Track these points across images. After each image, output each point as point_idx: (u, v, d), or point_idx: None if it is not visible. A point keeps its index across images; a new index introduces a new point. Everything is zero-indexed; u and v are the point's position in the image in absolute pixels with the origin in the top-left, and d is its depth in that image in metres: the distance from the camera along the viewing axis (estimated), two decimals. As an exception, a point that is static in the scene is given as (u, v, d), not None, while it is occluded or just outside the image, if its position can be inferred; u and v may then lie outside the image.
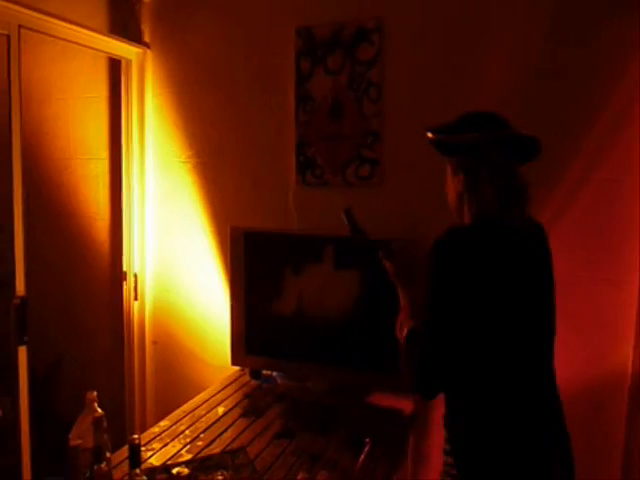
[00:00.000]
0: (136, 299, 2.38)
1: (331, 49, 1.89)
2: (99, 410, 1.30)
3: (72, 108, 2.51)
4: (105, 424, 1.21)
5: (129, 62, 2.25)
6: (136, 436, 1.21)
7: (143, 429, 2.06)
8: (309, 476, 1.45)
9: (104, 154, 2.46)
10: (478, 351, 1.11)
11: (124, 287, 2.37)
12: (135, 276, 2.36)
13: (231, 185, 2.18)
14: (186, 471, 1.27)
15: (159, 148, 2.31)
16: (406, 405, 1.81)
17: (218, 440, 1.64)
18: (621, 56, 1.56)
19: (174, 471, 1.25)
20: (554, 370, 1.21)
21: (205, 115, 2.20)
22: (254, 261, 1.94)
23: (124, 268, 2.37)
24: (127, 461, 1.30)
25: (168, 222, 2.34)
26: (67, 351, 2.58)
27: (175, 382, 2.39)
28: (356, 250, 1.81)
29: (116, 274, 2.42)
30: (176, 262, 2.34)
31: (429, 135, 1.25)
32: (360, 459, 1.51)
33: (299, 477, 1.45)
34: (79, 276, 2.55)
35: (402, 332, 1.22)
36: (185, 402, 1.89)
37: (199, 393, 1.96)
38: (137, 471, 1.16)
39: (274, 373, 2.06)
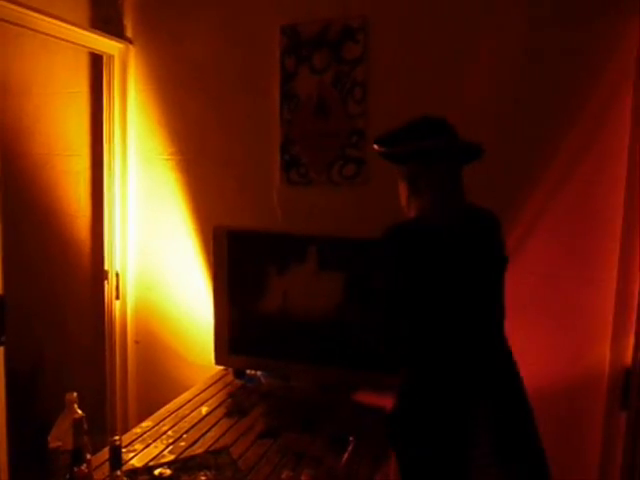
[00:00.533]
0: (118, 298, 2.34)
1: (316, 48, 1.88)
2: (79, 411, 1.28)
3: (52, 103, 2.46)
4: (85, 425, 1.19)
5: (111, 57, 2.21)
6: (117, 437, 1.20)
7: (125, 430, 2.03)
8: (293, 474, 1.45)
9: (85, 150, 2.42)
10: (428, 327, 1.24)
11: (105, 286, 2.34)
12: (117, 275, 2.33)
13: (215, 183, 2.16)
14: (168, 472, 1.26)
15: (141, 145, 2.28)
16: (390, 403, 1.81)
17: (201, 440, 1.62)
18: (599, 60, 1.59)
19: (156, 472, 1.24)
20: (504, 350, 1.31)
21: (189, 112, 2.18)
22: (237, 260, 1.93)
23: (105, 267, 2.34)
24: (108, 463, 1.29)
25: (150, 220, 2.31)
26: (47, 351, 2.54)
27: (157, 382, 2.37)
28: (340, 250, 1.81)
29: (97, 273, 2.38)
30: (159, 261, 2.32)
31: (375, 147, 1.34)
32: (344, 457, 1.51)
33: (283, 476, 1.44)
34: (59, 275, 2.51)
35: None
36: (168, 402, 1.86)
37: (182, 393, 1.94)
38: (118, 473, 1.14)
39: (258, 372, 2.05)
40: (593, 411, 1.66)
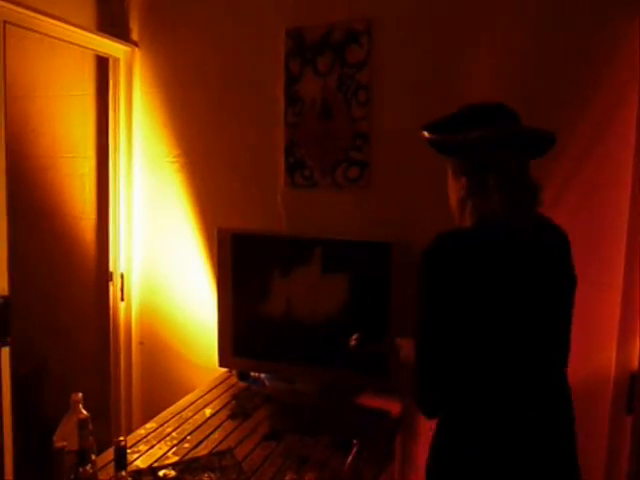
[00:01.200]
0: (122, 300, 2.35)
1: (320, 51, 1.89)
2: (84, 412, 1.28)
3: (57, 106, 2.48)
4: (90, 426, 1.20)
5: (117, 60, 2.23)
6: (122, 438, 1.20)
7: (129, 431, 2.04)
8: (297, 477, 1.45)
9: (90, 153, 2.44)
10: (474, 364, 1.01)
11: (110, 288, 2.35)
12: (122, 276, 2.34)
13: (219, 185, 2.17)
14: (173, 473, 1.26)
15: (147, 147, 2.29)
16: (394, 407, 1.82)
17: (205, 442, 1.63)
18: (604, 60, 1.58)
19: (160, 473, 1.24)
20: (565, 386, 1.11)
21: (194, 115, 2.19)
22: (242, 262, 1.93)
23: (110, 268, 2.35)
24: (113, 463, 1.29)
25: (155, 222, 2.32)
26: (52, 352, 2.55)
27: (161, 383, 2.37)
28: (344, 253, 1.81)
29: (102, 274, 2.39)
30: (163, 262, 2.32)
31: (425, 134, 1.11)
32: (348, 460, 1.51)
33: (287, 478, 1.45)
34: (64, 276, 2.52)
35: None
36: (172, 404, 1.87)
37: (186, 395, 1.95)
38: (123, 473, 1.15)
39: (262, 375, 2.05)
40: (598, 416, 1.65)
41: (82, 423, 1.15)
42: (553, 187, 1.66)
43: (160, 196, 2.28)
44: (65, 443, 1.06)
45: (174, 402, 1.88)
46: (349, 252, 1.81)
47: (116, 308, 2.36)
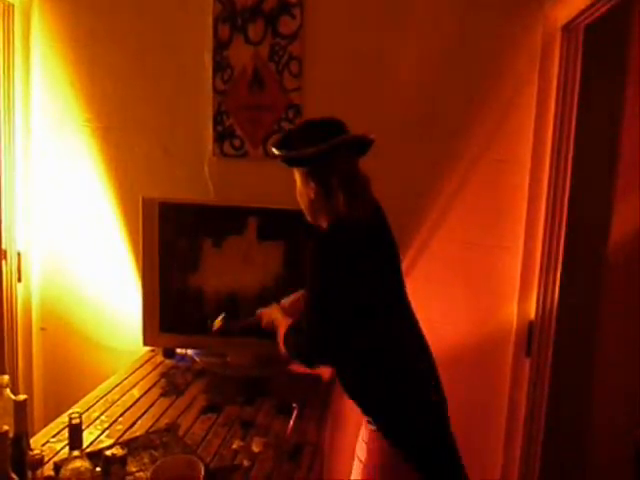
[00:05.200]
0: (20, 280, 2.10)
1: (252, 18, 1.85)
2: (12, 395, 1.15)
3: None
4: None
5: (10, 7, 1.94)
6: (76, 415, 1.10)
7: (31, 424, 1.85)
8: (244, 444, 1.45)
9: (-26, 114, 2.11)
10: (363, 322, 1.27)
11: (4, 267, 2.08)
12: (19, 254, 2.08)
13: (138, 153, 2.02)
14: (122, 452, 1.18)
15: (49, 109, 2.05)
16: (325, 372, 1.88)
17: (139, 422, 1.54)
18: (516, 45, 1.76)
19: (108, 453, 1.16)
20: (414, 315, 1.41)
21: (107, 74, 2.00)
22: (170, 234, 1.84)
23: (3, 246, 2.07)
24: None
25: (63, 193, 2.09)
26: None
27: (69, 371, 2.18)
28: (278, 221, 1.82)
29: (-8, 253, 2.10)
30: (71, 238, 2.11)
31: (275, 152, 1.33)
32: (290, 423, 1.55)
33: (234, 446, 1.44)
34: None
35: (280, 338, 1.42)
36: (82, 392, 1.72)
37: (98, 381, 1.80)
38: (77, 453, 1.04)
39: (189, 351, 1.99)
40: (503, 360, 1.88)
41: (19, 406, 1.03)
42: (463, 163, 1.85)
43: (67, 165, 2.07)
44: (7, 427, 0.94)
45: (85, 390, 1.73)
46: (283, 220, 1.81)
47: (11, 290, 2.09)
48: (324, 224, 1.34)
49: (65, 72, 2.02)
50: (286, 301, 1.59)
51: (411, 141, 1.87)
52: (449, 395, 1.37)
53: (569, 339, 1.88)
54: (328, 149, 1.24)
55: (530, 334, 1.83)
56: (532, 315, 1.82)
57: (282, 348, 1.40)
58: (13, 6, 1.95)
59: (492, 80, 1.80)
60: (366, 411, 1.33)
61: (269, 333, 1.51)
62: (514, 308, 1.86)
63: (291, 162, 1.32)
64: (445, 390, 1.37)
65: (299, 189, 1.36)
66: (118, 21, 1.98)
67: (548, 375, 1.83)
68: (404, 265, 1.89)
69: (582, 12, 1.52)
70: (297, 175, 1.34)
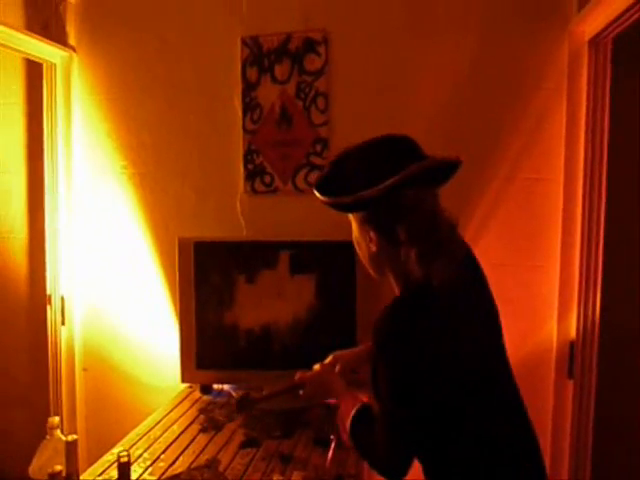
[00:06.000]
0: (63, 324, 2.16)
1: (278, 59, 1.93)
2: (62, 436, 1.18)
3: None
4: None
5: (53, 66, 2.09)
6: (124, 453, 1.11)
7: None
8: (284, 478, 1.42)
9: (19, 167, 2.25)
10: (453, 424, 0.97)
11: (49, 311, 2.15)
12: (62, 299, 2.15)
13: (171, 196, 2.10)
14: (165, 489, 1.18)
15: (90, 159, 2.16)
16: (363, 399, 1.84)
17: (181, 459, 1.54)
18: (542, 62, 1.77)
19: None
20: (521, 398, 1.09)
21: (141, 123, 2.10)
22: (205, 272, 1.88)
23: (48, 291, 2.15)
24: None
25: (102, 237, 2.18)
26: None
27: (109, 409, 2.20)
28: (309, 254, 1.84)
29: (37, 297, 2.19)
30: (110, 280, 2.18)
31: (322, 198, 0.99)
32: (329, 455, 1.52)
33: (274, 479, 1.42)
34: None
35: (346, 424, 1.13)
36: (124, 429, 1.73)
37: (139, 418, 1.81)
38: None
39: (226, 386, 1.99)
40: (544, 382, 1.82)
41: (70, 446, 1.05)
42: (497, 183, 1.84)
43: (106, 209, 2.15)
44: (60, 468, 0.95)
45: (126, 427, 1.75)
46: (314, 253, 1.83)
47: (56, 333, 2.16)
48: (396, 287, 1.03)
49: (102, 123, 2.13)
50: (324, 364, 1.34)
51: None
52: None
53: (613, 359, 1.81)
54: (389, 189, 0.89)
55: (572, 355, 1.76)
56: (573, 335, 1.76)
57: (348, 436, 1.11)
58: (55, 65, 2.09)
59: (520, 98, 1.81)
60: None
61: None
62: (553, 328, 1.81)
63: (339, 208, 1.00)
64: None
65: (355, 237, 1.06)
66: (149, 72, 2.08)
67: (593, 397, 1.75)
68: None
69: (609, 25, 1.52)
70: (352, 219, 1.04)
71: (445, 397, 0.95)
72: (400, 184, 0.89)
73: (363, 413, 1.07)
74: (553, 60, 1.75)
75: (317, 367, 1.36)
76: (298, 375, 1.34)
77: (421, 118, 1.86)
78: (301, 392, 1.34)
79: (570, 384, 1.77)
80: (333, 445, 1.54)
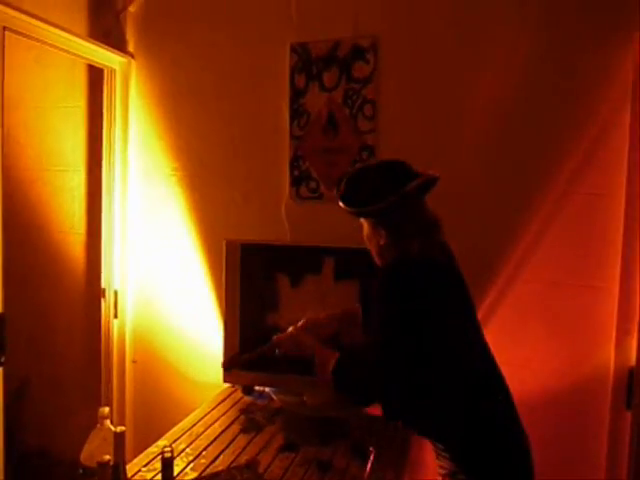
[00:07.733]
0: (116, 317, 2.27)
1: (327, 66, 1.94)
2: (112, 427, 1.24)
3: (46, 117, 2.41)
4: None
5: (113, 71, 2.19)
6: (168, 448, 1.16)
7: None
8: (321, 486, 1.44)
9: (81, 166, 2.37)
10: (433, 356, 1.21)
11: (102, 304, 2.27)
12: (115, 293, 2.27)
13: (219, 198, 2.16)
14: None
15: (143, 160, 2.25)
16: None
17: (222, 457, 1.59)
18: (599, 81, 1.70)
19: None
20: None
21: (192, 127, 2.17)
22: (250, 274, 1.92)
23: (103, 284, 2.27)
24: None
25: (151, 236, 2.27)
26: (35, 371, 2.42)
27: (157, 402, 2.30)
28: (353, 260, 1.84)
29: (93, 290, 2.31)
30: (160, 277, 2.27)
31: (348, 209, 1.30)
32: (367, 467, 1.52)
33: (312, 488, 1.44)
34: (50, 293, 2.41)
35: (328, 368, 1.28)
36: (169, 422, 1.81)
37: (184, 412, 1.89)
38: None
39: (267, 389, 2.03)
40: (599, 411, 1.73)
41: (119, 437, 1.11)
42: (554, 197, 1.77)
43: (157, 209, 2.24)
44: (108, 457, 1.01)
45: (171, 419, 1.83)
46: (359, 259, 1.83)
47: (109, 325, 2.27)
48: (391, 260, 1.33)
49: (155, 126, 2.22)
50: (298, 326, 1.52)
51: (491, 180, 1.82)
52: (534, 451, 1.28)
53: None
54: (399, 200, 1.22)
55: (630, 383, 1.67)
56: (632, 361, 1.67)
57: (329, 377, 1.29)
58: (115, 70, 2.19)
59: (581, 112, 1.73)
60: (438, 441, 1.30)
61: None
62: (610, 354, 1.71)
63: (360, 215, 1.32)
64: (530, 445, 1.28)
65: (367, 234, 1.36)
66: (200, 78, 2.15)
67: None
68: (485, 303, 1.83)
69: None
70: (364, 222, 1.35)
71: (441, 331, 1.21)
72: (400, 198, 1.23)
73: (346, 357, 1.27)
74: (617, 71, 1.67)
75: (291, 329, 1.50)
76: (275, 338, 1.49)
77: (471, 129, 1.82)
78: (277, 351, 1.48)
79: (628, 415, 1.68)
80: (372, 457, 1.54)
